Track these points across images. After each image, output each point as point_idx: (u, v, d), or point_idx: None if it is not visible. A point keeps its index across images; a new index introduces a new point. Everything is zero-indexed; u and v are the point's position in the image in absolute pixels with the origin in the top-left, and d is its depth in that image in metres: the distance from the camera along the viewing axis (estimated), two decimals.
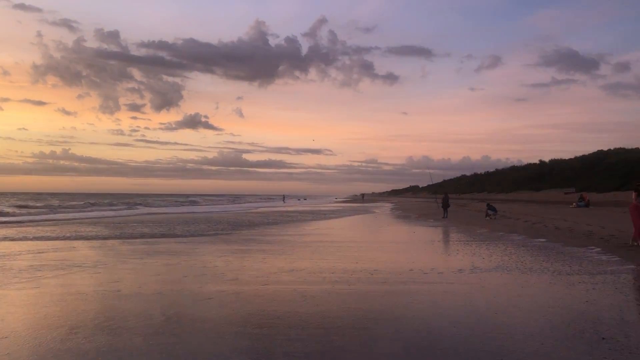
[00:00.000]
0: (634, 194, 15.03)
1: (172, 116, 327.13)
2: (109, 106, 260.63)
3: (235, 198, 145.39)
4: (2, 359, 5.34)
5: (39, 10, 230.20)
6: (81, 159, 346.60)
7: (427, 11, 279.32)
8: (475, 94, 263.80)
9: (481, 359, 5.16)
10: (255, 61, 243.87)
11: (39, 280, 10.08)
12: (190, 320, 6.85)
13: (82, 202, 72.02)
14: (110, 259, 13.44)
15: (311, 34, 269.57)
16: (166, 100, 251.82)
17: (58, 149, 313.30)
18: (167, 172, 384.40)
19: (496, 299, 8.01)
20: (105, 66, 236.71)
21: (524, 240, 17.60)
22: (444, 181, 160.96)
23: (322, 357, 5.33)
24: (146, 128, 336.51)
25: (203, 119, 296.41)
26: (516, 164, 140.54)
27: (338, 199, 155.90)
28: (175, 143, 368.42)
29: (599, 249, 13.84)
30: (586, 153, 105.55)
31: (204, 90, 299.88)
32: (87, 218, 35.98)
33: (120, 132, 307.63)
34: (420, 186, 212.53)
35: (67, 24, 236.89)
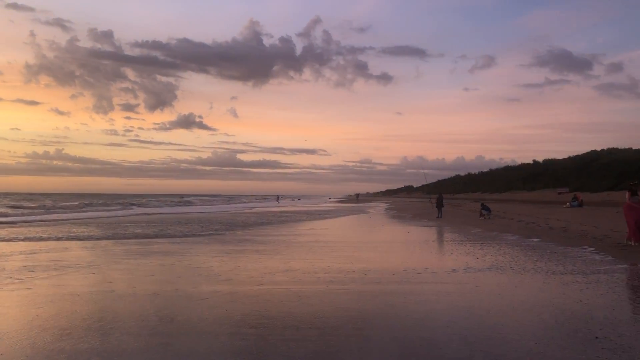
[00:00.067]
0: (627, 194, 15.11)
1: (166, 116, 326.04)
2: (103, 106, 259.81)
3: (230, 198, 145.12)
4: None
5: (31, 9, 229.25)
6: (74, 159, 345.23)
7: (421, 11, 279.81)
8: (469, 94, 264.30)
9: (475, 358, 5.16)
10: (250, 61, 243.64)
11: (32, 281, 10.03)
12: (184, 321, 6.83)
13: (76, 203, 71.68)
14: (104, 260, 13.38)
15: (305, 34, 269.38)
16: (160, 100, 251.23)
17: (51, 149, 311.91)
18: (161, 172, 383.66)
19: (490, 299, 8.02)
20: (98, 66, 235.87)
21: (518, 240, 17.66)
22: (438, 181, 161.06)
23: (317, 357, 5.32)
24: (140, 128, 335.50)
25: (197, 119, 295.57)
26: (510, 164, 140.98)
27: (332, 199, 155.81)
28: (169, 143, 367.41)
29: (592, 249, 13.90)
30: (579, 153, 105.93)
31: (198, 90, 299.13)
32: (81, 218, 35.82)
33: (114, 132, 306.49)
34: (415, 186, 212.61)
35: (60, 24, 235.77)
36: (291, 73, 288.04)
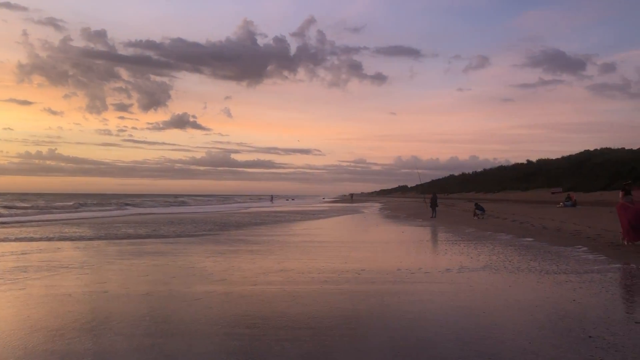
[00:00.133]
0: (621, 194, 15.18)
1: (159, 116, 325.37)
2: (96, 106, 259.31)
3: (224, 198, 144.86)
4: None
5: (24, 9, 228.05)
6: (68, 159, 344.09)
7: (416, 12, 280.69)
8: (463, 94, 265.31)
9: (469, 358, 5.16)
10: (244, 61, 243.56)
11: (24, 281, 9.96)
12: (178, 321, 6.80)
13: (70, 203, 71.41)
14: (97, 260, 13.32)
15: (300, 33, 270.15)
16: (154, 100, 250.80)
17: (44, 149, 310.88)
18: (155, 173, 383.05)
19: (484, 299, 8.03)
20: (92, 66, 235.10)
21: (512, 239, 17.70)
22: (433, 181, 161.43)
23: (312, 357, 5.31)
24: (134, 128, 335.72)
25: (191, 119, 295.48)
26: (504, 163, 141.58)
27: (326, 199, 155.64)
28: (163, 143, 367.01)
29: (585, 248, 13.95)
30: (573, 153, 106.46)
31: (191, 90, 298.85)
32: (75, 219, 35.64)
33: (108, 132, 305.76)
34: (409, 186, 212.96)
35: (53, 23, 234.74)
36: (285, 73, 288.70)
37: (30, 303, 8.03)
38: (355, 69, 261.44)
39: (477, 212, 31.39)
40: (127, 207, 65.27)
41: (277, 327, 6.43)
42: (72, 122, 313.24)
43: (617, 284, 9.09)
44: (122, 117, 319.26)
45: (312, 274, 10.61)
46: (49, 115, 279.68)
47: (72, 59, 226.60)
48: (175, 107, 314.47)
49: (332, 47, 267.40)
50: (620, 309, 7.28)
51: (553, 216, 28.41)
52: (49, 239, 19.15)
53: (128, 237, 20.47)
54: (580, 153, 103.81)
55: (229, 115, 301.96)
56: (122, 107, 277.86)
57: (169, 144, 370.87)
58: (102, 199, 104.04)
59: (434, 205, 35.70)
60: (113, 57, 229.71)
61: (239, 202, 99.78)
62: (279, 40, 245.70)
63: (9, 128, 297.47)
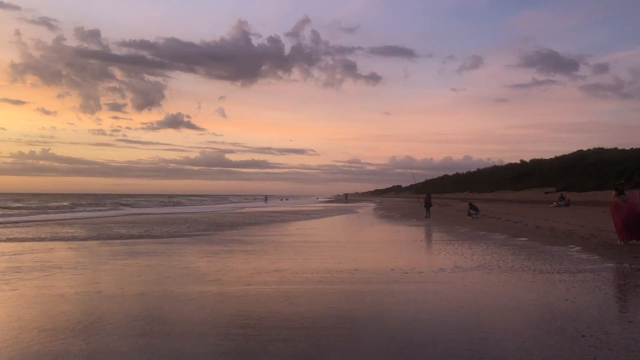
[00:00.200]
0: (614, 193, 15.25)
1: (153, 116, 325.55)
2: (90, 106, 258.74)
3: (219, 198, 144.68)
4: None
5: (17, 8, 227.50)
6: (61, 159, 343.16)
7: (410, 12, 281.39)
8: (457, 95, 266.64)
9: (463, 357, 5.17)
10: (238, 61, 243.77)
11: (17, 282, 9.90)
12: (172, 322, 6.79)
13: (66, 203, 71.22)
14: (91, 260, 13.26)
15: (294, 33, 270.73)
16: (148, 99, 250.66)
17: (37, 149, 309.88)
18: (149, 172, 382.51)
19: (478, 298, 8.05)
20: (85, 65, 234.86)
21: (506, 239, 17.75)
22: (427, 181, 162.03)
23: (306, 357, 5.31)
24: (127, 128, 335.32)
25: (185, 119, 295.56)
26: (497, 163, 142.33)
27: (320, 199, 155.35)
28: (157, 143, 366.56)
29: (579, 248, 14.00)
30: (566, 153, 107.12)
31: (186, 90, 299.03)
32: (70, 219, 35.48)
33: (101, 132, 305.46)
34: (403, 186, 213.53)
35: (47, 23, 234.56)
36: (280, 73, 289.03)
37: (23, 304, 7.99)
38: (350, 69, 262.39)
39: (471, 212, 31.47)
40: (122, 207, 65.11)
41: (272, 327, 6.42)
42: (65, 122, 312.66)
43: (610, 284, 9.14)
44: (116, 117, 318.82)
45: (306, 274, 10.61)
46: (43, 115, 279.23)
47: (65, 58, 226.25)
48: (170, 107, 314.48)
49: (327, 47, 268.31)
50: (613, 308, 7.31)
51: (546, 216, 28.52)
52: (42, 240, 19.06)
53: (122, 237, 20.40)
54: (574, 153, 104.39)
55: (223, 115, 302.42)
56: (116, 107, 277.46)
57: (163, 143, 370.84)
58: (96, 199, 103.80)
59: (428, 205, 35.74)
60: (107, 57, 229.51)
61: (234, 202, 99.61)
62: (274, 40, 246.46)
63: (1, 128, 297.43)
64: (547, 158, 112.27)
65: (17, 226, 27.19)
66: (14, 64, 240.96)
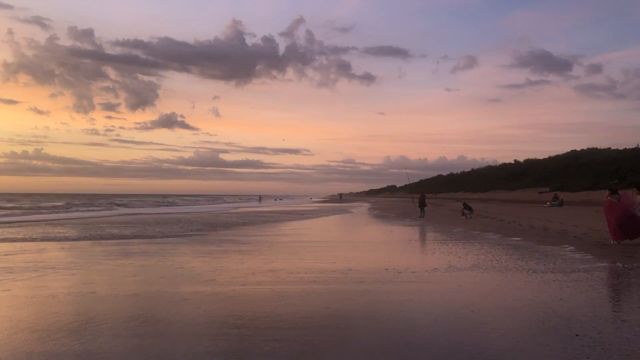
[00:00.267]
0: (607, 193, 15.31)
1: (147, 115, 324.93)
2: (83, 105, 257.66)
3: (213, 198, 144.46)
4: None
5: (10, 7, 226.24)
6: (54, 159, 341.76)
7: (404, 12, 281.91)
8: (451, 95, 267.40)
9: (458, 356, 5.18)
10: (232, 60, 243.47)
11: (10, 282, 9.84)
12: (166, 322, 6.76)
13: (61, 203, 70.92)
14: (85, 261, 13.21)
15: (288, 33, 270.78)
16: (141, 99, 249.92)
17: (30, 149, 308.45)
18: (143, 172, 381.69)
19: (472, 298, 8.06)
20: (79, 65, 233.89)
21: (500, 239, 17.80)
22: (421, 181, 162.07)
23: (300, 357, 5.30)
24: (121, 127, 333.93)
25: (179, 119, 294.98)
26: (491, 163, 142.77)
27: (314, 199, 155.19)
28: (151, 143, 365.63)
29: (572, 248, 14.06)
30: (560, 153, 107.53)
31: (180, 90, 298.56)
32: (65, 219, 35.32)
33: (95, 132, 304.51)
34: (398, 186, 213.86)
35: (39, 22, 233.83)
36: (274, 73, 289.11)
37: (15, 304, 7.94)
38: (344, 69, 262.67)
39: (465, 211, 31.54)
40: (116, 207, 64.90)
41: (266, 327, 6.41)
42: (58, 122, 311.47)
43: (604, 283, 9.18)
44: (109, 117, 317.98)
45: (300, 274, 10.60)
46: (35, 115, 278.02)
47: (58, 58, 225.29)
48: (163, 107, 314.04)
49: (321, 47, 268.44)
50: (606, 307, 7.34)
51: (540, 216, 28.62)
52: (35, 240, 18.96)
53: (116, 237, 20.32)
54: (567, 153, 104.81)
55: (217, 114, 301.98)
56: (109, 107, 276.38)
57: (156, 143, 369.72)
58: (90, 199, 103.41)
59: (422, 205, 35.81)
60: (100, 56, 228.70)
61: (228, 203, 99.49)
62: (268, 39, 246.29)
63: None
64: (540, 158, 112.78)
65: (10, 226, 27.03)
66: (7, 63, 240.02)
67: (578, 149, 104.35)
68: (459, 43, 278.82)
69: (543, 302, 7.54)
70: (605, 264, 11.09)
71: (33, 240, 18.90)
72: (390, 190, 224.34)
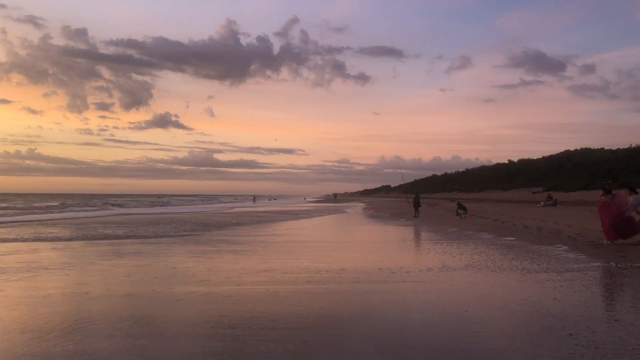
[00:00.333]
0: (601, 193, 15.37)
1: (141, 115, 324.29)
2: (77, 105, 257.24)
3: (208, 198, 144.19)
4: None
5: (3, 6, 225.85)
6: (48, 159, 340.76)
7: (398, 12, 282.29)
8: (445, 95, 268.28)
9: (452, 356, 5.19)
10: (226, 60, 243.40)
11: (3, 283, 9.79)
12: (161, 322, 6.75)
13: (53, 203, 70.67)
14: (79, 261, 13.15)
15: (283, 33, 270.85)
16: (135, 99, 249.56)
17: (23, 149, 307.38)
18: (137, 172, 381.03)
19: (466, 297, 8.08)
20: (72, 64, 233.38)
21: (494, 238, 17.84)
22: (415, 181, 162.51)
23: (295, 357, 5.30)
24: (115, 127, 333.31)
25: (173, 118, 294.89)
26: (485, 163, 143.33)
27: (308, 199, 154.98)
28: (145, 142, 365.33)
29: (566, 247, 14.11)
30: (553, 153, 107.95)
31: (174, 89, 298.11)
32: (60, 219, 35.17)
33: (89, 132, 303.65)
34: (392, 186, 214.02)
35: (33, 21, 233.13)
36: (268, 72, 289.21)
37: (8, 305, 7.89)
38: (339, 68, 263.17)
39: (460, 211, 31.61)
40: (112, 207, 64.67)
41: (261, 327, 6.40)
42: (52, 122, 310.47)
43: (597, 283, 9.21)
44: (103, 117, 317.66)
45: (295, 274, 10.59)
46: (29, 115, 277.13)
47: (52, 57, 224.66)
48: (157, 107, 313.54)
49: (316, 47, 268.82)
50: (600, 307, 7.37)
51: (534, 215, 28.72)
52: (28, 240, 18.87)
53: (111, 237, 20.24)
54: (561, 153, 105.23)
55: (212, 114, 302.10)
56: (103, 106, 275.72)
57: (150, 143, 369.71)
58: (84, 199, 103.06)
59: (416, 205, 35.87)
60: (94, 56, 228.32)
61: (223, 203, 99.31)
62: (262, 39, 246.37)
63: None
64: (534, 158, 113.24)
65: (5, 226, 26.87)
66: (0, 62, 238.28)
67: (572, 149, 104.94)
68: (453, 43, 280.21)
69: (537, 302, 7.56)
70: (598, 264, 11.14)
71: (29, 240, 18.81)
72: (385, 190, 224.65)
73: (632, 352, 5.15)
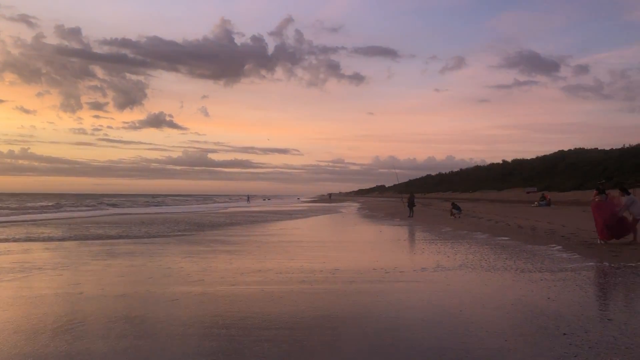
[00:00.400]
0: (594, 193, 15.44)
1: (135, 115, 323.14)
2: (70, 104, 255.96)
3: (203, 198, 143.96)
4: None
5: None
6: (41, 159, 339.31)
7: (393, 12, 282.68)
8: (439, 95, 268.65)
9: (446, 356, 5.20)
10: (221, 60, 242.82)
11: None
12: (155, 322, 6.73)
13: (48, 203, 70.33)
14: (72, 261, 13.10)
15: (277, 33, 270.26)
16: (130, 98, 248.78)
17: (16, 148, 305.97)
18: (131, 172, 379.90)
19: (461, 297, 8.10)
20: (66, 63, 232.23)
21: (488, 238, 17.88)
22: (410, 181, 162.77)
23: (290, 357, 5.29)
24: (109, 127, 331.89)
25: (167, 118, 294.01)
26: (480, 163, 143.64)
27: (302, 199, 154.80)
28: (139, 142, 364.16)
29: (560, 247, 14.16)
30: (547, 153, 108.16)
31: (168, 89, 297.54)
32: (54, 219, 34.98)
33: (82, 131, 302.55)
34: (387, 186, 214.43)
35: (26, 20, 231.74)
36: (263, 72, 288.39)
37: (4, 305, 7.84)
38: (333, 68, 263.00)
39: (454, 211, 31.68)
40: (107, 207, 64.43)
41: (255, 327, 6.39)
42: (45, 121, 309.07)
43: (591, 282, 9.24)
44: (97, 116, 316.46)
45: (289, 274, 10.59)
46: (22, 114, 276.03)
47: (45, 56, 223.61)
48: (152, 106, 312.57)
49: (310, 47, 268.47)
50: (593, 306, 7.40)
51: (528, 215, 28.81)
52: (21, 240, 18.78)
53: (105, 237, 20.17)
54: (555, 153, 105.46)
55: (206, 114, 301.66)
56: (97, 106, 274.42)
57: (145, 143, 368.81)
58: (79, 199, 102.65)
59: (411, 204, 35.92)
60: (88, 55, 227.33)
61: (217, 202, 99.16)
62: (257, 39, 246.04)
63: None
64: (528, 158, 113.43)
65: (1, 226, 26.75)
66: None
67: (565, 149, 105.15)
68: (447, 43, 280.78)
69: (531, 301, 7.59)
70: (592, 264, 11.18)
71: (22, 240, 18.72)
72: (380, 190, 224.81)
73: (625, 351, 5.17)
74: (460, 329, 6.17)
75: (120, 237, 20.44)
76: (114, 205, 70.64)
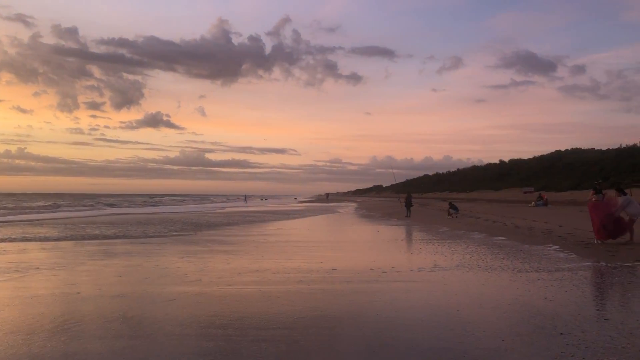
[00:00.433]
0: (591, 193, 15.47)
1: (132, 115, 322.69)
2: (67, 104, 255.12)
3: (200, 198, 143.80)
4: None
5: None
6: (38, 159, 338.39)
7: (390, 12, 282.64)
8: (437, 95, 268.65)
9: (444, 356, 5.20)
10: (218, 60, 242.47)
11: None
12: (152, 323, 6.71)
13: (45, 203, 70.14)
14: (69, 261, 13.08)
15: (275, 33, 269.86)
16: (127, 98, 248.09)
17: (13, 148, 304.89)
18: (128, 172, 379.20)
19: (458, 297, 8.10)
20: (63, 63, 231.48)
21: (485, 238, 17.90)
22: (407, 181, 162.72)
23: (287, 357, 5.29)
24: (106, 127, 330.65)
25: (164, 118, 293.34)
26: (477, 163, 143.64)
27: (299, 199, 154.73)
28: (136, 142, 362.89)
29: (557, 247, 14.18)
30: (544, 153, 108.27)
31: (165, 89, 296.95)
32: (52, 219, 34.91)
33: (79, 131, 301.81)
34: (384, 186, 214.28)
35: (22, 19, 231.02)
36: (260, 72, 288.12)
37: (0, 305, 7.84)
38: (331, 68, 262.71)
39: (451, 211, 31.70)
40: (104, 207, 64.33)
41: (253, 327, 6.39)
42: (42, 121, 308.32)
43: (588, 282, 9.26)
44: (94, 116, 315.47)
45: (287, 274, 10.58)
46: (18, 114, 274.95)
47: (42, 56, 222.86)
48: (149, 106, 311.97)
49: (308, 47, 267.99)
50: (590, 306, 7.41)
51: (525, 215, 28.84)
52: (17, 240, 18.73)
53: (102, 237, 20.14)
54: (552, 153, 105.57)
55: (203, 114, 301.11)
56: (94, 106, 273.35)
57: (142, 143, 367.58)
58: (76, 199, 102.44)
59: (408, 204, 35.95)
60: (85, 55, 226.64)
61: (215, 202, 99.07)
62: (254, 39, 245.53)
63: None
64: (525, 158, 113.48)
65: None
66: None
67: (562, 149, 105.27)
68: (445, 43, 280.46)
69: (528, 301, 7.60)
70: (589, 263, 11.20)
71: (18, 240, 18.67)
72: (377, 190, 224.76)
73: (621, 350, 5.18)
74: (458, 329, 6.17)
75: (117, 237, 20.41)
76: (111, 205, 70.51)
